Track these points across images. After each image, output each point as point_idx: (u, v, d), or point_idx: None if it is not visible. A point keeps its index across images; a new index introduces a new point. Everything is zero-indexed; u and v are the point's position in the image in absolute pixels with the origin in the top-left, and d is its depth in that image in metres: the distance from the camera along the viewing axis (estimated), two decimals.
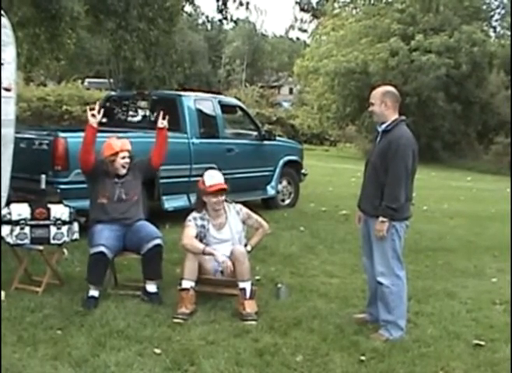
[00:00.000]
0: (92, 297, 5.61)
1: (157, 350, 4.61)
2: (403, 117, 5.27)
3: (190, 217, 5.94)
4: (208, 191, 5.85)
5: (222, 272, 5.86)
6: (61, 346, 4.60)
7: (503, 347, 5.12)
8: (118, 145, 6.07)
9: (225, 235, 5.96)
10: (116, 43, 14.64)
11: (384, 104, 5.19)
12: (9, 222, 5.79)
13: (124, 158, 6.04)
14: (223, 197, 5.94)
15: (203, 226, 5.89)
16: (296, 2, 57.12)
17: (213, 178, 5.95)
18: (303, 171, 12.46)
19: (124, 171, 6.04)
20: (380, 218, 5.06)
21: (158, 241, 5.87)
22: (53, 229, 5.91)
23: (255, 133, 11.42)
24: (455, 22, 32.10)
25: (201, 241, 5.79)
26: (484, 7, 37.62)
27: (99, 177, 6.04)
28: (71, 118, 27.13)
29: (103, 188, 6.01)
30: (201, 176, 6.07)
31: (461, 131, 32.83)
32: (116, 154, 6.00)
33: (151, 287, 5.81)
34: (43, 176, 7.83)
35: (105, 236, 5.73)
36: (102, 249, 5.64)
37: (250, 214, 6.20)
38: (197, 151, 9.71)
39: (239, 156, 10.54)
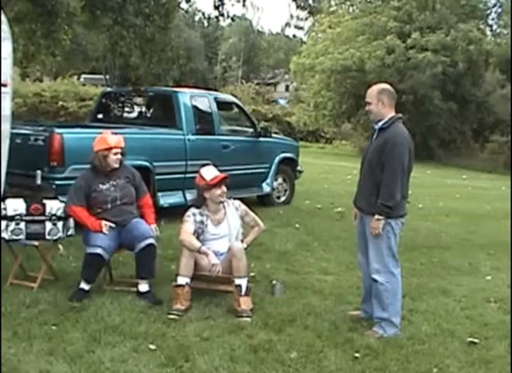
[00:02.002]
0: (82, 289, 5.66)
1: (152, 346, 4.61)
2: (399, 115, 5.26)
3: (189, 212, 5.93)
4: (211, 184, 5.85)
5: None
6: (56, 342, 4.60)
7: (497, 345, 5.14)
8: (114, 141, 6.04)
9: (223, 231, 5.97)
10: (112, 39, 14.61)
11: (380, 102, 5.18)
12: (5, 218, 5.78)
13: (116, 154, 6.00)
14: (225, 189, 5.95)
15: (202, 222, 5.89)
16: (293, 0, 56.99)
17: (210, 171, 5.97)
18: (298, 168, 12.46)
19: (116, 166, 6.01)
20: (376, 216, 5.07)
21: (151, 240, 5.86)
22: (48, 225, 5.91)
23: (251, 130, 11.41)
24: (452, 20, 32.14)
25: (198, 236, 5.80)
26: (480, 5, 37.65)
27: (91, 194, 5.97)
28: (67, 114, 27.14)
29: (96, 199, 5.96)
30: (197, 172, 6.06)
31: (456, 129, 32.88)
32: (109, 149, 5.97)
33: (143, 287, 5.80)
34: (39, 172, 7.83)
35: (102, 237, 5.71)
36: (99, 251, 5.64)
37: (247, 212, 6.21)
38: (192, 148, 9.70)
39: (234, 153, 10.52)
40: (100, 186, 5.96)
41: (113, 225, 5.82)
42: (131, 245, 5.89)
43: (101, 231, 5.73)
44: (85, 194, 5.92)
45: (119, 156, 6.03)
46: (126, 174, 6.15)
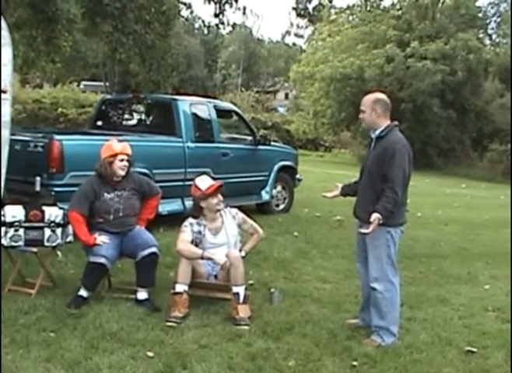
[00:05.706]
0: (81, 296, 5.64)
1: (150, 354, 4.61)
2: (396, 122, 5.25)
3: (186, 222, 5.92)
4: (207, 193, 5.85)
5: (215, 276, 5.90)
6: (53, 349, 4.60)
7: (495, 354, 5.12)
8: (118, 148, 6.00)
9: (221, 240, 5.96)
10: (112, 46, 14.63)
11: (374, 112, 5.18)
12: (3, 224, 5.77)
13: (122, 160, 5.94)
14: (222, 197, 5.95)
15: (199, 232, 5.88)
16: (293, 8, 57.00)
17: (205, 181, 5.96)
18: (297, 176, 12.46)
19: (122, 173, 5.95)
20: (375, 214, 4.90)
21: (154, 249, 5.85)
22: (47, 231, 5.90)
23: (250, 138, 11.41)
24: (451, 29, 32.32)
25: (197, 246, 5.79)
26: (480, 15, 37.85)
27: (95, 202, 5.93)
28: (67, 120, 27.16)
29: (99, 208, 5.93)
30: None
31: (455, 138, 32.96)
32: (115, 156, 5.92)
33: (141, 295, 5.79)
34: (38, 179, 7.83)
35: (105, 246, 5.69)
36: (103, 260, 5.62)
37: (245, 219, 6.21)
38: (192, 156, 9.71)
39: (234, 161, 10.52)
40: (105, 194, 5.93)
41: (107, 241, 5.78)
42: (132, 253, 5.87)
43: (96, 244, 5.72)
44: (89, 201, 5.87)
45: (125, 163, 5.97)
46: (132, 185, 6.10)
